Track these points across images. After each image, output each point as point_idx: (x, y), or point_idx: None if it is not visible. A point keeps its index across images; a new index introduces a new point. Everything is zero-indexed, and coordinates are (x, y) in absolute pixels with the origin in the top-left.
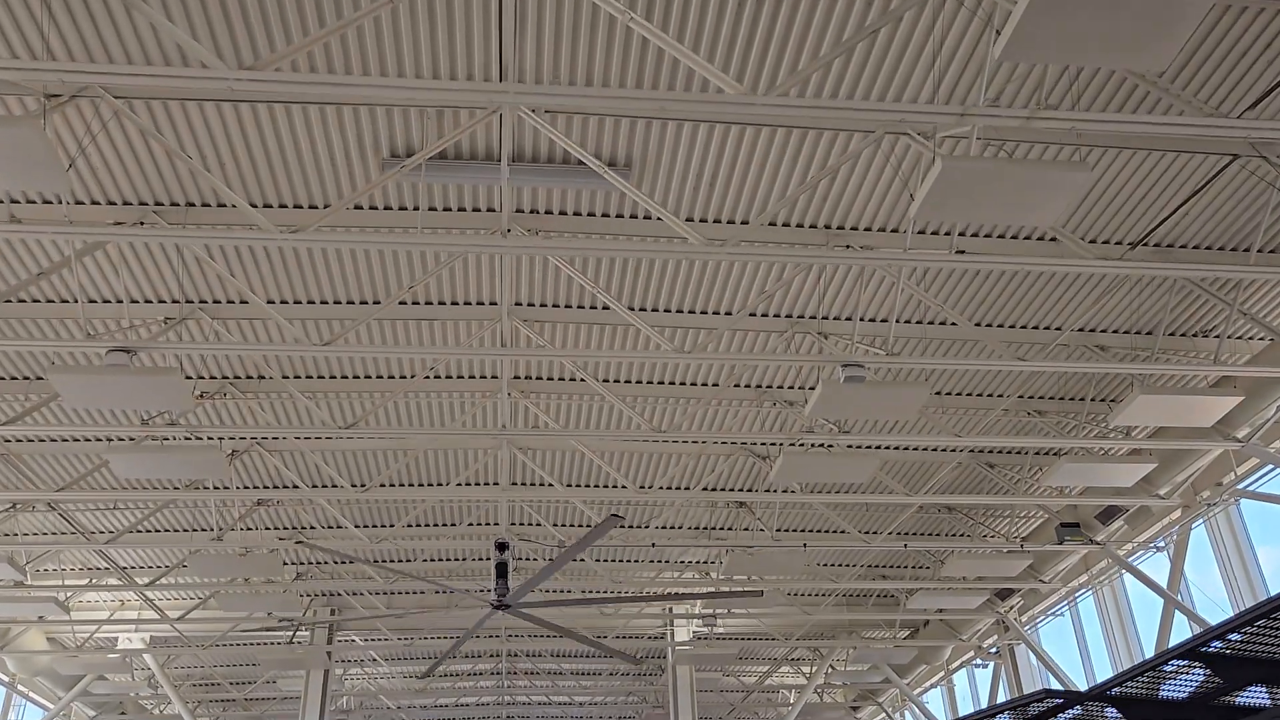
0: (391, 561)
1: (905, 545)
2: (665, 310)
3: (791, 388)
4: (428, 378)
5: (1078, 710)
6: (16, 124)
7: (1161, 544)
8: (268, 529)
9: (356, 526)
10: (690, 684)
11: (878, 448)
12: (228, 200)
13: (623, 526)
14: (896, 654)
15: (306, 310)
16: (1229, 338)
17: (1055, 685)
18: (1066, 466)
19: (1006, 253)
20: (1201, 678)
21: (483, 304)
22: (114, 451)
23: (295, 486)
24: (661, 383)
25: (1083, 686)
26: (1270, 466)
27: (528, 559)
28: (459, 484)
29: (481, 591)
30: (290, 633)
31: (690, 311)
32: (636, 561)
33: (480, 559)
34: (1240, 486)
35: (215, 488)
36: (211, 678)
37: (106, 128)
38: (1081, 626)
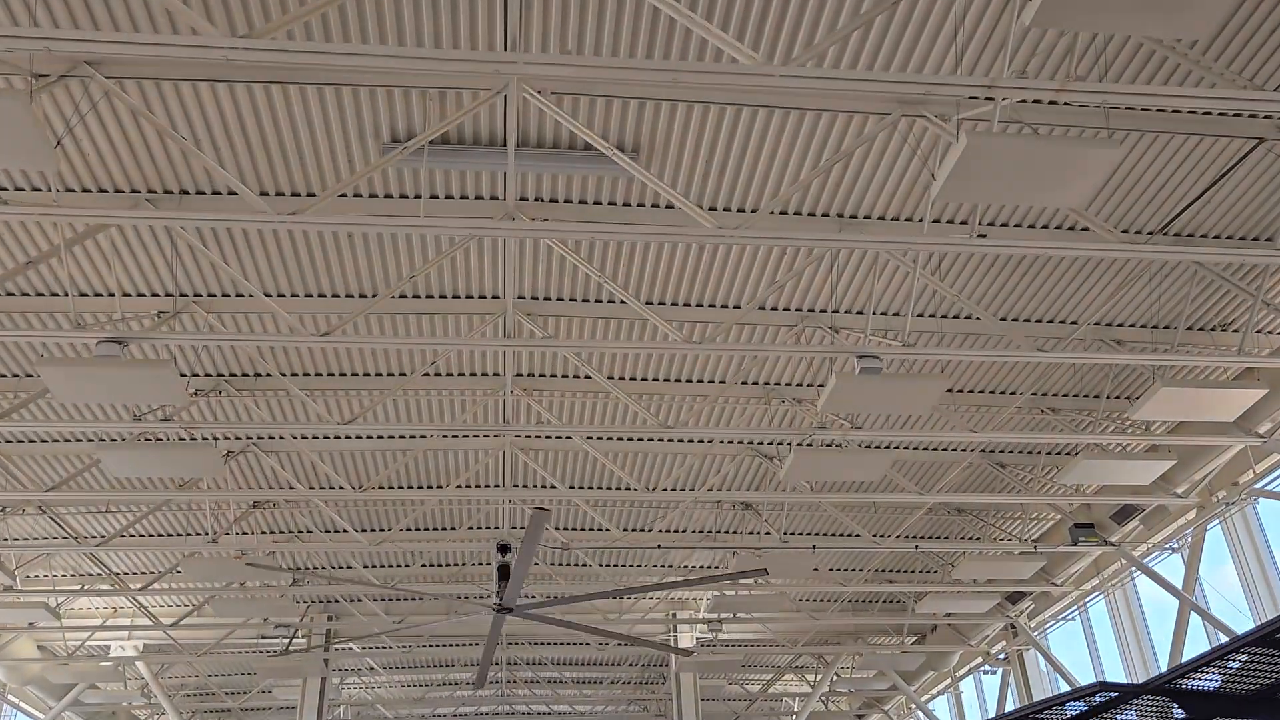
0: (391, 566)
1: (916, 547)
2: (673, 304)
3: (800, 385)
4: (428, 374)
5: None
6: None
7: (1175, 545)
8: (264, 533)
9: (359, 531)
10: (694, 692)
11: (890, 446)
12: (222, 186)
13: (627, 530)
14: (903, 660)
15: (304, 304)
16: (1253, 332)
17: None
18: (1084, 463)
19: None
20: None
21: (485, 297)
22: (105, 449)
23: (292, 487)
24: (668, 380)
25: None
26: None
27: (533, 564)
28: (459, 486)
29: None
30: (286, 640)
31: (698, 305)
32: (639, 566)
33: (481, 563)
34: (1259, 485)
35: (210, 487)
36: (206, 687)
37: (96, 108)
38: (1092, 631)
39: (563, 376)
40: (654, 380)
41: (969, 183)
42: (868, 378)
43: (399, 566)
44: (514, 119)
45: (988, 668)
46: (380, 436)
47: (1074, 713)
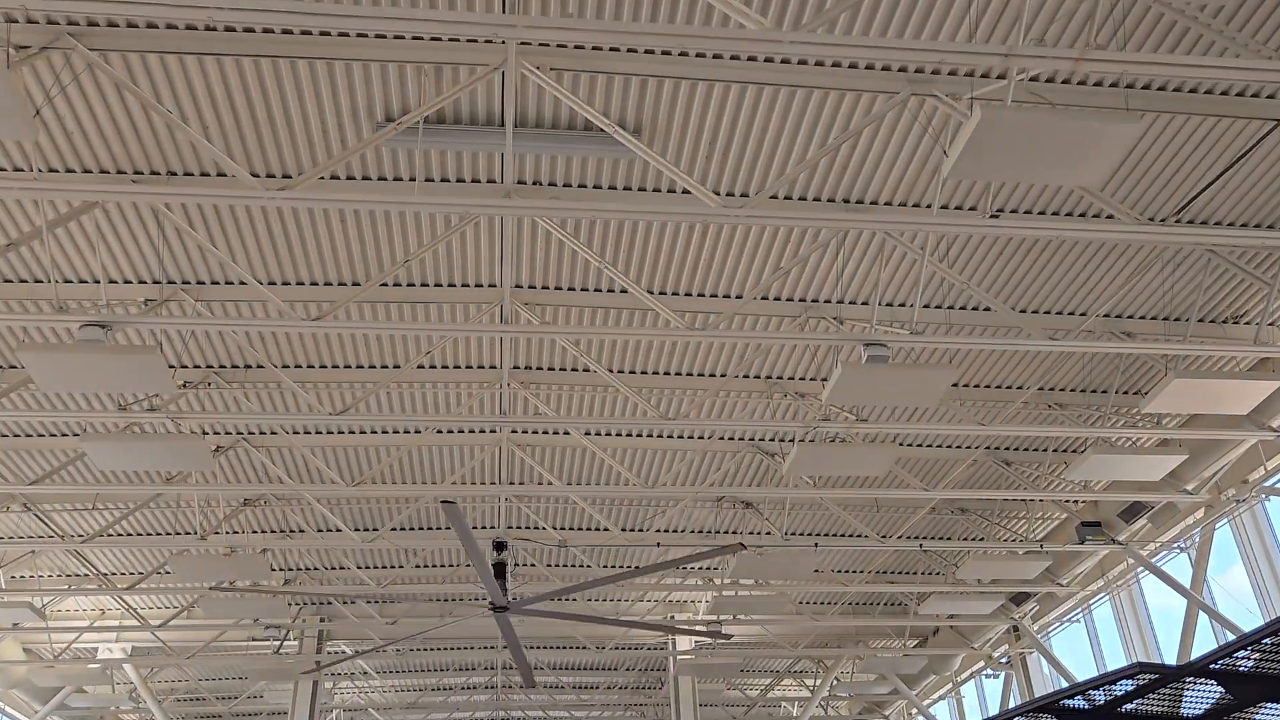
0: (384, 566)
1: (920, 546)
2: (674, 293)
3: (804, 379)
4: (422, 366)
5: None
6: None
7: (1183, 545)
8: (255, 532)
9: (355, 530)
10: (693, 696)
11: (895, 439)
12: (210, 167)
13: (625, 530)
14: (905, 663)
15: (295, 291)
16: (1268, 324)
17: None
18: (1093, 458)
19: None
20: None
21: (481, 286)
22: (90, 440)
23: (282, 482)
24: (668, 373)
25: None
26: None
27: (529, 564)
28: (454, 483)
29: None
30: (278, 642)
31: (700, 295)
32: (636, 567)
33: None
34: (1269, 483)
35: (199, 482)
36: (196, 691)
37: (79, 80)
38: (1096, 634)
39: (560, 369)
40: (654, 374)
41: (982, 159)
42: (874, 366)
43: (392, 567)
44: (512, 96)
45: (990, 671)
46: (374, 431)
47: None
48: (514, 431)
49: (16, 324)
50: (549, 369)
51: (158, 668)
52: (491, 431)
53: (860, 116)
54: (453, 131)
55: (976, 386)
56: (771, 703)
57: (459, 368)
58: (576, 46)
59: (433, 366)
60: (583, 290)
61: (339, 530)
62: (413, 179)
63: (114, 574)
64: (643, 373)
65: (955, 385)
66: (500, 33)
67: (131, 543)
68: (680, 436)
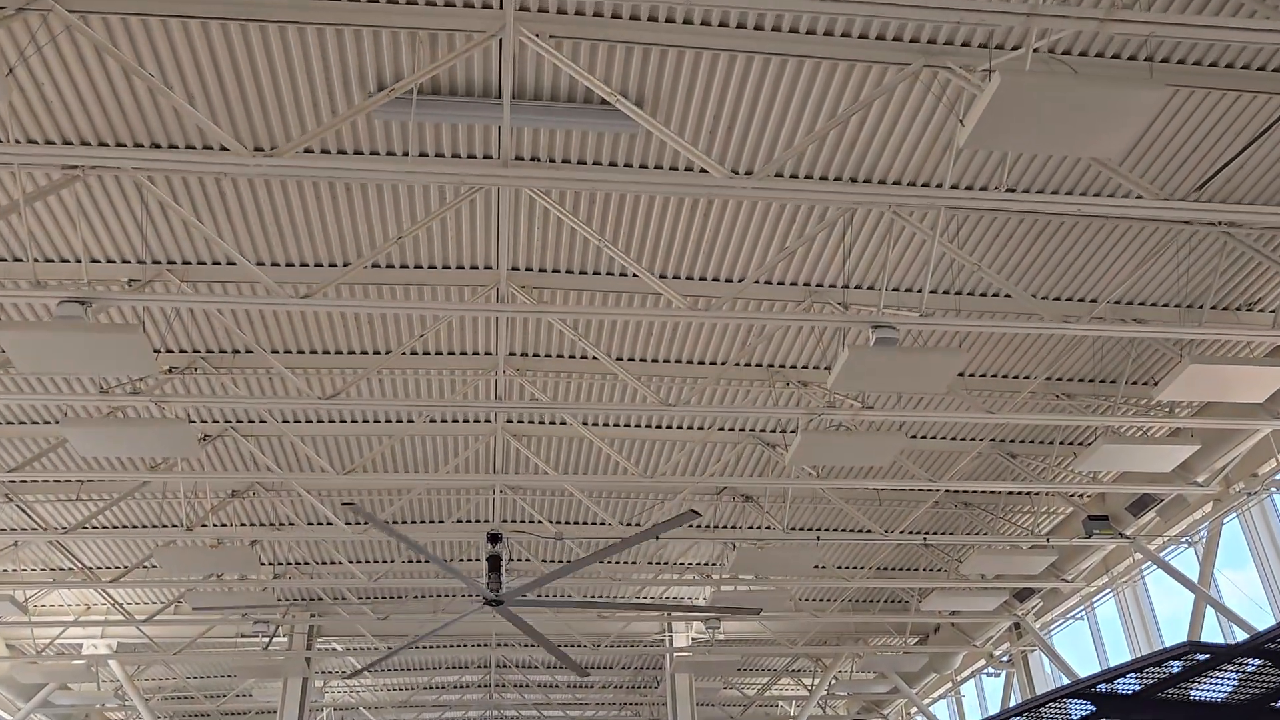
0: (374, 561)
1: (924, 539)
2: (675, 276)
3: (806, 367)
4: (415, 352)
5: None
6: None
7: (1190, 540)
8: (243, 525)
9: (346, 525)
10: (690, 694)
11: (901, 427)
12: (195, 137)
13: (624, 524)
14: (905, 661)
15: (284, 273)
16: None
17: None
18: (1104, 448)
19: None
20: None
21: (477, 268)
22: (71, 425)
23: (271, 470)
24: (668, 361)
25: None
26: None
27: (524, 560)
28: (448, 472)
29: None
30: (266, 638)
31: (702, 278)
32: (633, 563)
33: (470, 559)
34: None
35: (185, 468)
36: (184, 689)
37: (56, 42)
38: (1100, 632)
39: (558, 356)
40: (654, 361)
41: (1001, 128)
42: (883, 349)
43: (382, 562)
44: (510, 65)
45: (991, 670)
46: (365, 420)
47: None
48: (509, 421)
49: None
50: (546, 356)
51: (144, 665)
52: (486, 421)
53: (871, 88)
54: (448, 103)
55: (983, 376)
56: (769, 701)
57: (453, 354)
58: (577, 13)
59: (426, 353)
60: (581, 273)
61: (330, 524)
62: (406, 153)
63: (99, 568)
64: (642, 360)
65: (961, 374)
66: None
67: (116, 535)
68: (680, 427)
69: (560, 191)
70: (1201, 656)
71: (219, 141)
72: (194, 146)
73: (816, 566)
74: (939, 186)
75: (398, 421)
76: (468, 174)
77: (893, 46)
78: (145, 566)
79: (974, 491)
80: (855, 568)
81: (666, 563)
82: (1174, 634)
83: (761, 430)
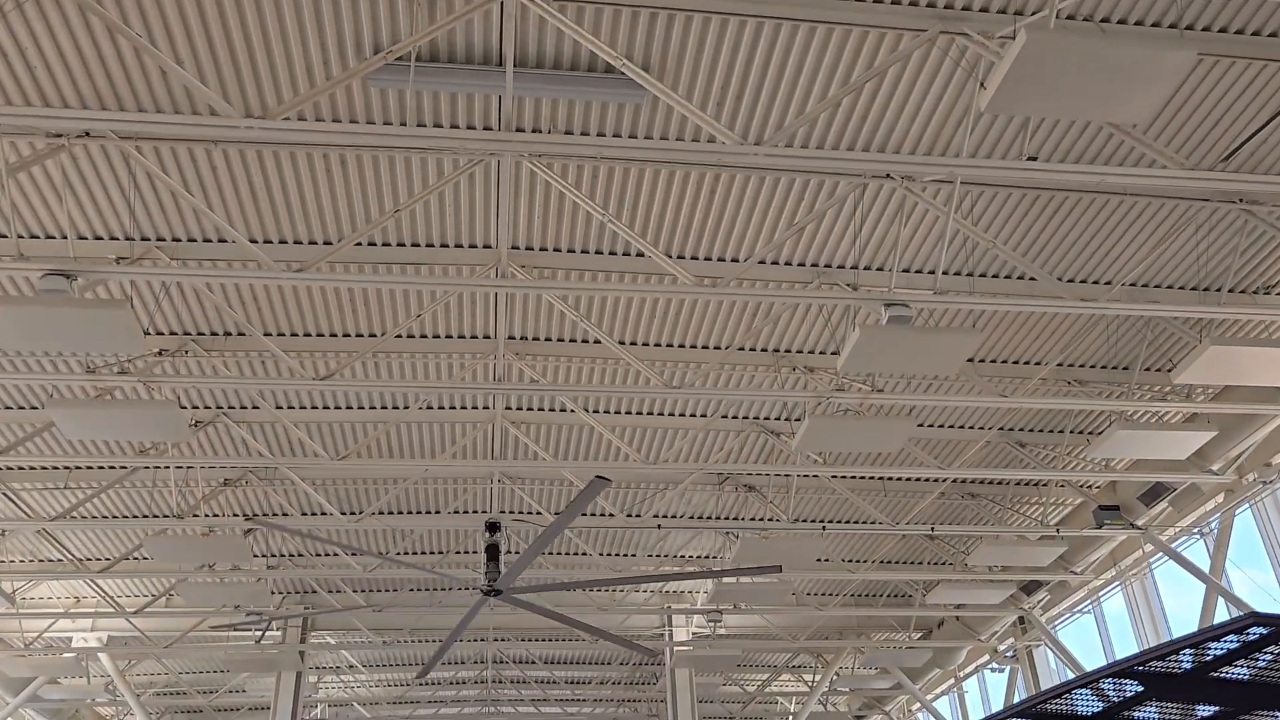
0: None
1: (932, 529)
2: (680, 256)
3: (813, 352)
4: (412, 336)
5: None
6: None
7: (1201, 531)
8: (235, 515)
9: (343, 514)
10: (690, 689)
11: (911, 412)
12: (183, 103)
13: (629, 516)
14: (909, 656)
15: (278, 250)
16: None
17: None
18: (1119, 434)
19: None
20: None
21: (476, 246)
22: (57, 407)
23: (264, 455)
24: (671, 345)
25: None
26: None
27: (521, 552)
28: (451, 455)
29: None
30: (259, 631)
31: (707, 259)
32: (633, 555)
33: (467, 551)
34: None
35: (176, 453)
36: (176, 685)
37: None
38: (1106, 628)
39: (558, 340)
40: (657, 345)
41: (1024, 91)
42: (895, 328)
43: (376, 554)
44: (511, 29)
45: (995, 665)
46: (360, 407)
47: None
48: (508, 408)
49: None
50: (546, 339)
51: (135, 659)
52: (485, 408)
53: (885, 55)
54: (446, 71)
55: (994, 361)
56: (769, 698)
57: (450, 337)
58: None
59: (423, 336)
60: (583, 252)
61: (325, 514)
62: (404, 123)
63: (89, 559)
64: (645, 344)
65: (971, 360)
66: None
67: (106, 524)
68: (683, 414)
69: (562, 165)
70: (1261, 630)
71: (208, 104)
72: (180, 110)
73: (821, 560)
74: (955, 156)
75: (394, 408)
76: (467, 139)
77: (909, 11)
78: (135, 558)
79: (982, 482)
80: (859, 561)
81: (667, 555)
82: (1183, 629)
83: (766, 418)
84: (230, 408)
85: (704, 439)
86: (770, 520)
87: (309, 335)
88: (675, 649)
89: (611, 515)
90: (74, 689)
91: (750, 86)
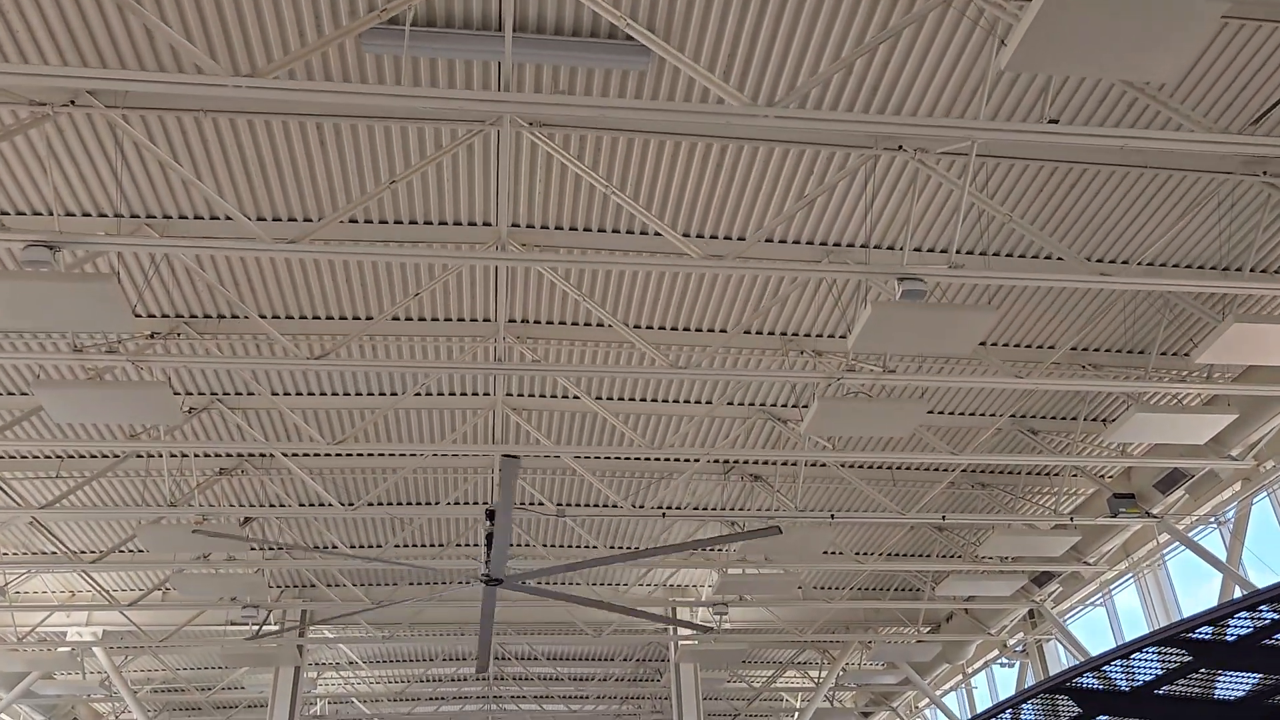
0: (368, 547)
1: (943, 518)
2: (686, 234)
3: (822, 335)
4: (410, 319)
5: None
6: None
7: (1217, 520)
8: (231, 506)
9: (343, 505)
10: (695, 685)
11: (923, 395)
12: (170, 64)
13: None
14: (917, 651)
15: (271, 228)
16: None
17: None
18: (1137, 417)
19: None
20: None
21: (475, 224)
22: (44, 388)
23: (259, 442)
24: (676, 328)
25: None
26: None
27: (524, 544)
28: (452, 441)
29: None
30: (257, 625)
31: (713, 237)
32: (636, 548)
33: (467, 544)
34: None
35: (169, 438)
36: (174, 681)
37: None
38: (1119, 621)
39: (560, 323)
40: (661, 329)
41: (1048, 47)
42: (909, 304)
43: (374, 545)
44: None
45: (1004, 660)
46: (358, 393)
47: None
48: (509, 394)
49: None
50: (548, 322)
51: (131, 655)
52: (485, 395)
53: (900, 16)
54: (443, 35)
55: (1007, 345)
56: (774, 695)
57: (449, 320)
58: None
59: (421, 319)
60: (586, 230)
61: (323, 504)
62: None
63: (83, 552)
64: (649, 327)
65: (984, 344)
66: None
67: (98, 514)
68: (687, 400)
69: (564, 136)
70: None
71: (194, 62)
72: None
73: (828, 552)
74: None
75: (392, 394)
76: (465, 100)
77: None
78: (127, 551)
79: (993, 471)
80: (867, 553)
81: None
82: None
83: (772, 405)
84: (225, 394)
85: (709, 425)
86: (776, 510)
87: (304, 318)
88: (680, 643)
89: (617, 506)
90: (69, 685)
91: (759, 49)
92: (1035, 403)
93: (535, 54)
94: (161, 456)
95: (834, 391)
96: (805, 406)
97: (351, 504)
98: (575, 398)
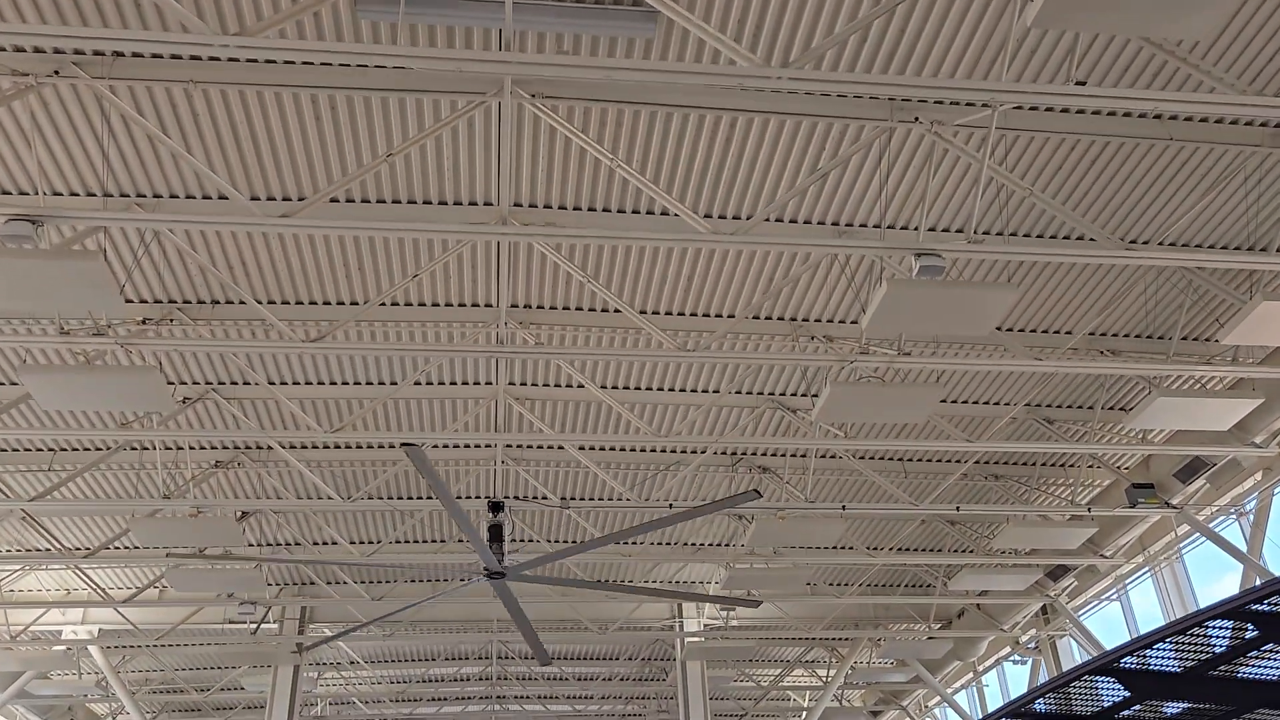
0: (365, 542)
1: (957, 509)
2: (694, 212)
3: (833, 320)
4: (409, 304)
5: None
6: None
7: (1237, 510)
8: (227, 499)
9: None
10: (702, 683)
11: (939, 379)
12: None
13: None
14: (928, 648)
15: (265, 207)
16: None
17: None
18: (1159, 402)
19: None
20: None
21: (476, 204)
22: (30, 373)
23: (255, 432)
24: (682, 314)
25: None
26: None
27: (528, 539)
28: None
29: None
30: (254, 623)
31: (722, 216)
32: (639, 543)
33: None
34: None
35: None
36: (172, 682)
37: None
38: (1134, 616)
39: (564, 309)
40: (668, 314)
41: (1074, 2)
42: (927, 282)
43: (373, 542)
44: None
45: (1016, 657)
46: (356, 382)
47: None
48: (511, 383)
49: None
50: (552, 308)
51: (129, 655)
52: (487, 384)
53: None
54: (441, 1)
55: (1024, 330)
56: (782, 694)
57: (450, 305)
58: None
59: (420, 304)
60: (589, 210)
61: (321, 497)
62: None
63: (76, 548)
64: (655, 313)
65: (998, 329)
66: None
67: (92, 507)
68: (695, 390)
69: (568, 108)
70: None
71: (180, 21)
72: (160, 56)
73: (837, 547)
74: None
75: (391, 383)
76: (466, 61)
77: None
78: (120, 547)
79: (1007, 462)
80: (877, 548)
81: (677, 542)
82: None
83: (781, 394)
84: (220, 383)
85: (717, 415)
86: (786, 502)
87: (300, 303)
88: (686, 640)
89: (625, 499)
90: (65, 685)
91: (772, 10)
92: (1052, 390)
93: (537, 21)
94: (155, 448)
95: (847, 375)
96: (815, 395)
97: (350, 496)
98: (580, 385)
